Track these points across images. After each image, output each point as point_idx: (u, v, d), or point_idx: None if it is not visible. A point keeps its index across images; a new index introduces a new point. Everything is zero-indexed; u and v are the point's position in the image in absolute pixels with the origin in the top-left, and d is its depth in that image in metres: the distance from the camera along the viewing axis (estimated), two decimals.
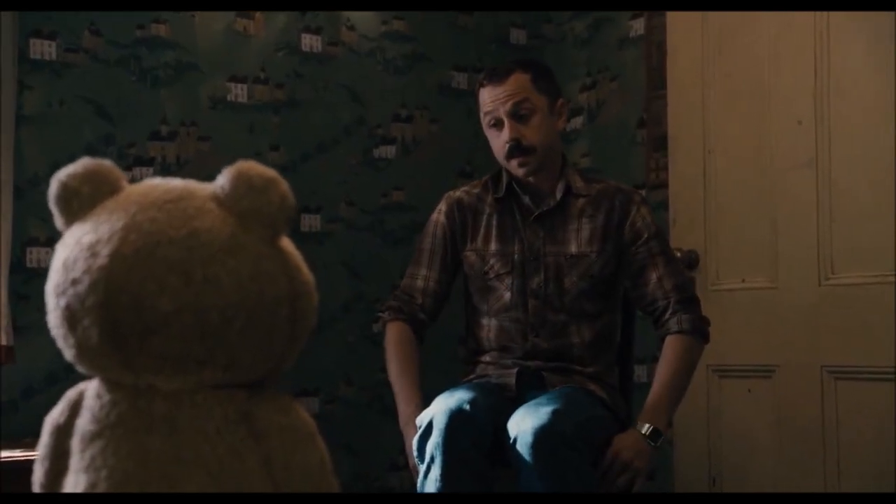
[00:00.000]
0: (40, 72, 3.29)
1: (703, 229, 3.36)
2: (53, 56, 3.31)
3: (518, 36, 4.19)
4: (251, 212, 0.94)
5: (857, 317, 2.96)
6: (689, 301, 2.55)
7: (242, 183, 0.95)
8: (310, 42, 3.76)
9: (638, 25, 3.80)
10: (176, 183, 1.00)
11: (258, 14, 3.66)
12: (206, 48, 3.56)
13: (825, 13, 3.06)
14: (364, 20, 3.87)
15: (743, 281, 3.25)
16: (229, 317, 0.91)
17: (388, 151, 3.91)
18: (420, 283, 2.66)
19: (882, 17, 2.94)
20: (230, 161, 0.98)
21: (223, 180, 0.96)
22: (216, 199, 0.96)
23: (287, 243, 1.00)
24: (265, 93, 3.67)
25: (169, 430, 0.92)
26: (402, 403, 2.53)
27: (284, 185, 0.97)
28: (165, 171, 3.43)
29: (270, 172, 0.97)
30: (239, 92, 3.62)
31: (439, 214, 2.69)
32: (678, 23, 3.46)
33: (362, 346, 3.79)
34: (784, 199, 3.15)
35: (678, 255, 3.29)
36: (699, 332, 2.53)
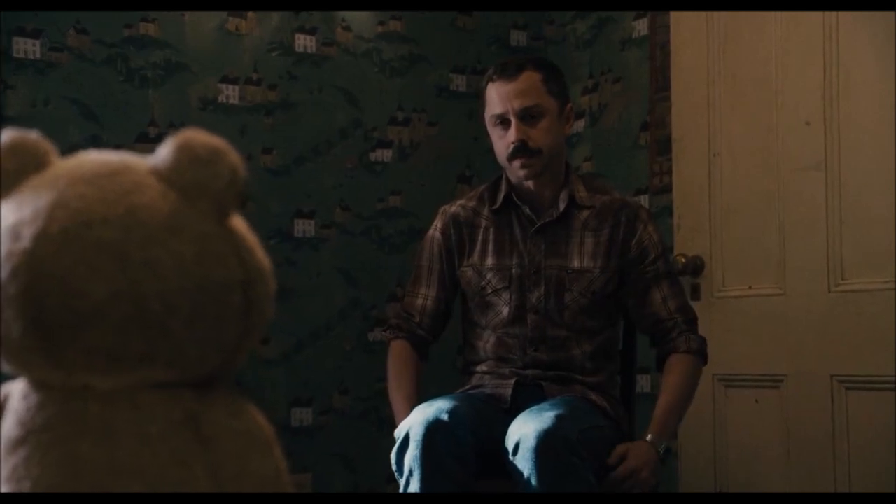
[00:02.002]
0: (24, 71, 3.21)
1: (709, 234, 3.27)
2: (38, 55, 3.24)
3: (518, 37, 4.11)
4: (196, 186, 0.84)
5: (869, 324, 2.87)
6: (693, 323, 2.51)
7: (185, 154, 0.84)
8: (304, 42, 3.68)
9: (641, 26, 3.73)
10: (112, 156, 0.89)
11: (251, 13, 3.58)
12: (196, 48, 3.49)
13: (834, 12, 2.97)
14: (360, 20, 3.79)
15: (749, 287, 3.17)
16: (172, 305, 0.80)
17: (385, 155, 3.84)
18: (420, 301, 2.59)
19: (892, 16, 2.85)
20: None
21: (164, 151, 0.86)
22: (157, 172, 0.85)
23: (239, 223, 0.89)
24: (258, 94, 3.60)
25: (104, 435, 0.81)
26: (398, 417, 2.45)
27: (235, 156, 0.86)
28: None
29: (218, 142, 0.86)
30: (230, 93, 3.55)
31: (435, 231, 2.61)
32: (682, 23, 3.38)
33: (358, 355, 3.72)
34: (792, 202, 3.06)
35: (683, 261, 3.23)
36: (702, 354, 2.50)
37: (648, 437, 2.35)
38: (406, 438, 2.20)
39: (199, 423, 0.84)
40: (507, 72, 2.46)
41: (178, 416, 0.83)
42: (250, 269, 0.86)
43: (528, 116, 2.44)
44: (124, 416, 0.82)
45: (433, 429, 2.16)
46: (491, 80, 2.49)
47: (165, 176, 0.84)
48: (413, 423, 2.20)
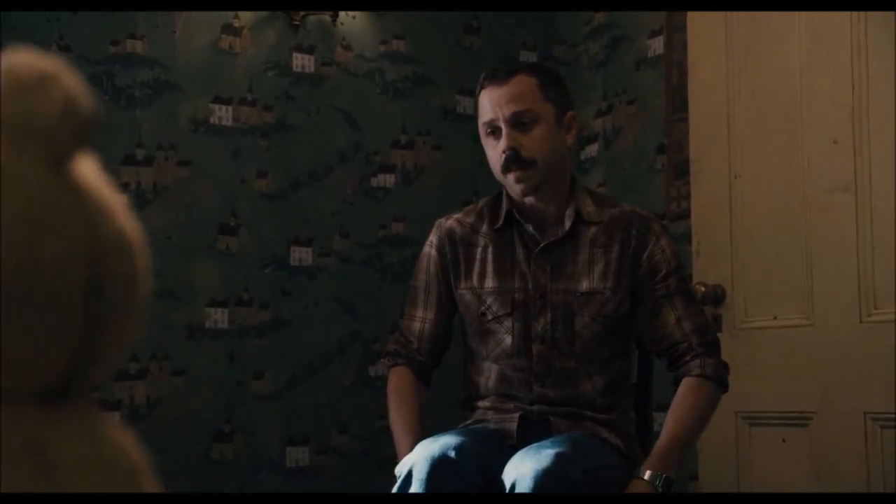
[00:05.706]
0: None
1: (730, 262, 3.14)
2: None
3: (528, 58, 3.98)
4: (20, 123, 0.64)
5: None
6: (711, 345, 2.33)
7: (9, 82, 0.65)
8: (302, 61, 3.56)
9: (656, 45, 3.59)
10: None
11: (245, 31, 3.46)
12: (187, 66, 3.38)
13: (863, 20, 2.83)
14: (361, 39, 3.67)
15: (775, 318, 3.03)
16: None
17: (387, 180, 3.70)
18: (417, 325, 2.44)
19: None
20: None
21: None
22: None
23: (90, 173, 0.69)
24: (252, 115, 3.48)
25: None
26: (399, 449, 2.31)
27: (73, 81, 0.66)
28: (140, 198, 3.24)
29: (51, 64, 0.66)
30: (223, 114, 3.42)
31: (430, 248, 2.46)
32: (700, 38, 3.26)
33: (357, 391, 3.57)
34: (819, 227, 2.93)
35: (703, 290, 3.10)
36: (721, 380, 2.32)
37: (647, 475, 2.16)
38: (408, 476, 2.07)
39: (43, 448, 0.64)
40: (498, 76, 2.33)
41: (16, 441, 0.63)
42: (100, 236, 0.65)
43: (519, 123, 2.29)
44: None
45: (438, 466, 2.04)
46: (482, 86, 2.36)
47: None
48: (416, 460, 2.07)
